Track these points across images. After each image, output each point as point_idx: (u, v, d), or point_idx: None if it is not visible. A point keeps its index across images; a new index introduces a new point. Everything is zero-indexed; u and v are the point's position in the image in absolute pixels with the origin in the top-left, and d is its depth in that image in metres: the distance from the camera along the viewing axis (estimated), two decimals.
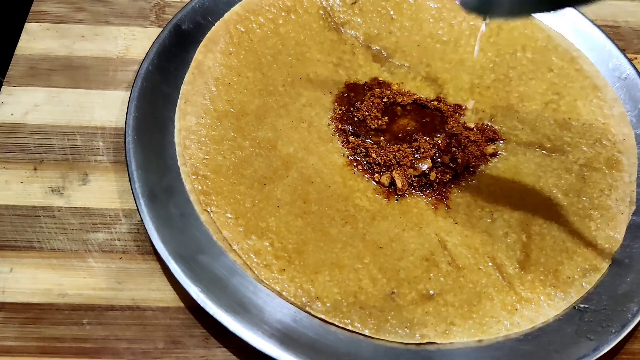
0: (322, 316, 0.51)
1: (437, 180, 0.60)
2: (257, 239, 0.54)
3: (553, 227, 0.58)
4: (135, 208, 0.54)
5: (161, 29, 0.64)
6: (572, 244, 0.57)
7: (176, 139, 0.59)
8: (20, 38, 0.68)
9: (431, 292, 0.54)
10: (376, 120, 0.63)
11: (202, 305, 0.50)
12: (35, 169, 0.60)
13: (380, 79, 0.67)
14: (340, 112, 0.64)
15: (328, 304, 0.52)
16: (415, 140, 0.62)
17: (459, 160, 0.61)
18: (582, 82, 0.68)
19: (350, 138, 0.62)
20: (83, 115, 0.64)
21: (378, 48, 0.69)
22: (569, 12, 0.72)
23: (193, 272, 0.51)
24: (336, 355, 0.50)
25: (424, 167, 0.60)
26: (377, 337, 0.51)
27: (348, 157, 0.61)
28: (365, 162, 0.61)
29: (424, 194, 0.60)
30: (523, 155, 0.63)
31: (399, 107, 0.65)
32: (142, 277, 0.55)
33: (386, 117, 0.64)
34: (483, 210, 0.59)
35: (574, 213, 0.59)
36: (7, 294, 0.53)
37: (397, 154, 0.61)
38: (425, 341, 0.51)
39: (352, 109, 0.64)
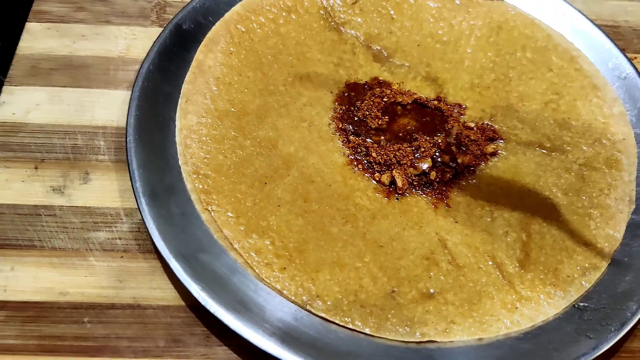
0: (323, 315, 0.52)
1: (438, 180, 0.60)
2: (258, 238, 0.55)
3: (553, 226, 0.58)
4: (136, 207, 0.54)
5: (162, 29, 0.64)
6: (571, 242, 0.58)
7: (177, 138, 0.59)
8: (21, 38, 0.68)
9: (431, 290, 0.54)
10: (376, 120, 0.63)
11: (203, 303, 0.50)
12: (36, 168, 0.60)
13: (380, 78, 0.67)
14: (340, 112, 0.64)
15: (329, 303, 0.52)
16: (415, 140, 0.62)
17: (459, 160, 0.61)
18: (582, 81, 0.68)
19: (351, 137, 0.62)
20: (84, 114, 0.64)
21: (378, 48, 0.69)
22: (568, 11, 0.72)
23: (194, 271, 0.51)
24: (337, 354, 0.50)
25: (424, 166, 0.60)
26: (378, 335, 0.51)
27: (348, 156, 0.61)
28: (365, 162, 0.61)
29: (424, 193, 0.60)
30: (523, 155, 0.63)
31: (399, 107, 0.65)
32: (143, 275, 0.55)
33: (386, 117, 0.64)
34: (483, 209, 0.59)
35: (573, 212, 0.59)
36: (9, 293, 0.53)
37: (397, 153, 0.61)
38: (425, 340, 0.51)
39: (352, 108, 0.65)
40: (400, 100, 0.65)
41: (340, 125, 0.63)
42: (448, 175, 0.61)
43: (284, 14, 0.69)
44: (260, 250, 0.54)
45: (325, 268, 0.54)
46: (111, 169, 0.61)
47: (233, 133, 0.60)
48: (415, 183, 0.60)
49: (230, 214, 0.55)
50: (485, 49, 0.70)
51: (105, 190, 0.59)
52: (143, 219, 0.53)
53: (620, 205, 0.60)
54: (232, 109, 0.62)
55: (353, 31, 0.70)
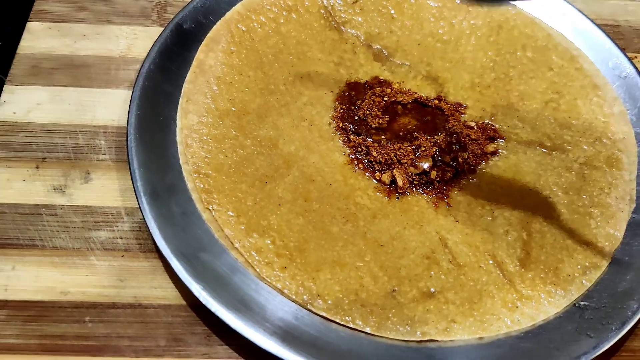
0: (324, 314, 0.52)
1: (438, 179, 0.60)
2: (259, 237, 0.55)
3: (553, 225, 0.59)
4: (137, 206, 0.54)
5: (163, 28, 0.64)
6: (572, 241, 0.58)
7: (178, 138, 0.59)
8: (22, 37, 0.69)
9: (432, 289, 0.54)
10: (377, 119, 0.63)
11: (204, 303, 0.50)
12: (37, 168, 0.60)
13: (381, 77, 0.67)
14: (341, 111, 0.64)
15: (329, 302, 0.52)
16: (416, 139, 0.62)
17: (460, 159, 0.61)
18: (582, 81, 0.68)
19: (351, 137, 0.62)
20: (85, 113, 0.64)
21: (379, 47, 0.69)
22: (569, 11, 0.72)
23: (195, 270, 0.51)
24: (337, 353, 0.50)
25: (425, 165, 0.60)
26: (378, 334, 0.51)
27: (349, 155, 0.61)
28: (366, 161, 0.61)
29: (424, 192, 0.60)
30: (523, 154, 0.63)
31: (399, 106, 0.65)
32: (144, 275, 0.55)
33: (387, 116, 0.64)
34: (484, 208, 0.59)
35: (574, 211, 0.60)
36: (10, 292, 0.53)
37: (397, 152, 0.61)
38: (426, 339, 0.51)
39: (353, 107, 0.65)
40: (400, 99, 0.65)
41: (341, 125, 0.63)
42: (448, 174, 0.61)
43: (284, 13, 0.69)
44: (261, 249, 0.54)
45: (325, 267, 0.54)
46: (112, 169, 0.61)
47: (234, 132, 0.60)
48: (415, 182, 0.60)
49: (231, 213, 0.55)
50: (486, 48, 0.70)
51: (106, 189, 0.59)
52: (144, 218, 0.53)
53: (620, 204, 0.60)
54: (233, 109, 0.62)
55: (353, 30, 0.70)
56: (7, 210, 0.57)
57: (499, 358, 0.51)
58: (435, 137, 0.63)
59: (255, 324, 0.50)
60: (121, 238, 0.57)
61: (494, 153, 0.63)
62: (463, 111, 0.66)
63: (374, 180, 0.60)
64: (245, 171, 0.58)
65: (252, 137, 0.60)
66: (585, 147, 0.64)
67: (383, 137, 0.63)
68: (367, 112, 0.64)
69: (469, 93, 0.67)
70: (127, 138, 0.57)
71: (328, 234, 0.56)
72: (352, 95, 0.66)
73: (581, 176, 0.62)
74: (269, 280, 0.53)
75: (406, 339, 0.51)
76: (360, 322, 0.51)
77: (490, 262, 0.56)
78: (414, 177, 0.60)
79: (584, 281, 0.55)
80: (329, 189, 0.59)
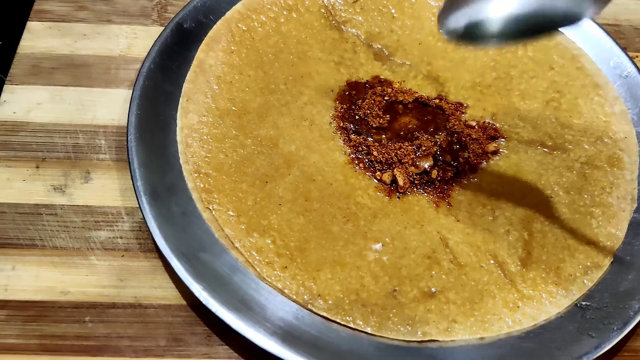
0: (324, 314, 0.51)
1: (439, 178, 0.60)
2: (259, 237, 0.55)
3: (555, 224, 0.58)
4: (138, 206, 0.54)
5: (163, 28, 0.64)
6: (573, 241, 0.57)
7: (178, 137, 0.59)
8: (23, 37, 0.68)
9: (433, 289, 0.54)
10: (377, 119, 0.63)
11: (204, 302, 0.50)
12: (37, 167, 0.60)
13: (381, 77, 0.67)
14: (341, 111, 0.64)
15: (330, 302, 0.52)
16: (416, 138, 0.62)
17: (460, 159, 0.61)
18: (583, 80, 0.68)
19: (352, 136, 0.62)
20: (85, 113, 0.64)
21: (379, 46, 0.69)
22: None
23: (195, 270, 0.51)
24: (338, 353, 0.50)
25: (426, 165, 0.60)
26: (379, 334, 0.51)
27: (349, 155, 0.61)
28: (366, 160, 0.61)
29: (425, 192, 0.60)
30: (524, 153, 0.63)
31: (400, 106, 0.65)
32: (144, 274, 0.55)
33: (387, 115, 0.64)
34: (485, 208, 0.59)
35: (575, 211, 0.59)
36: (10, 292, 0.53)
37: (398, 152, 0.61)
38: (427, 339, 0.51)
39: (353, 107, 0.65)
40: (401, 99, 0.65)
41: (341, 124, 0.63)
42: (449, 173, 0.61)
43: (285, 12, 0.69)
44: (262, 249, 0.54)
45: (326, 267, 0.54)
46: (112, 168, 0.61)
47: (234, 132, 0.60)
48: (416, 182, 0.60)
49: (231, 213, 0.55)
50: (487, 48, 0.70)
51: (106, 189, 0.59)
52: (144, 218, 0.53)
53: (622, 204, 0.60)
54: (233, 108, 0.62)
55: (354, 30, 0.70)
56: (7, 210, 0.57)
57: (500, 358, 0.51)
58: (436, 136, 0.63)
59: (256, 324, 0.49)
60: (121, 238, 0.57)
61: (495, 152, 0.63)
62: (464, 110, 0.65)
63: (375, 180, 0.60)
64: (245, 171, 0.58)
65: (252, 137, 0.60)
66: (586, 146, 0.63)
67: (384, 136, 0.63)
68: (368, 111, 0.64)
69: (469, 92, 0.67)
70: (127, 137, 0.57)
71: (329, 233, 0.56)
72: (352, 94, 0.65)
73: (582, 176, 0.62)
74: (269, 280, 0.52)
75: (407, 339, 0.51)
76: (361, 322, 0.51)
77: (492, 262, 0.56)
78: (415, 176, 0.60)
79: (585, 281, 0.55)
80: (330, 189, 0.58)
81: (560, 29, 0.44)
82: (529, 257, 0.56)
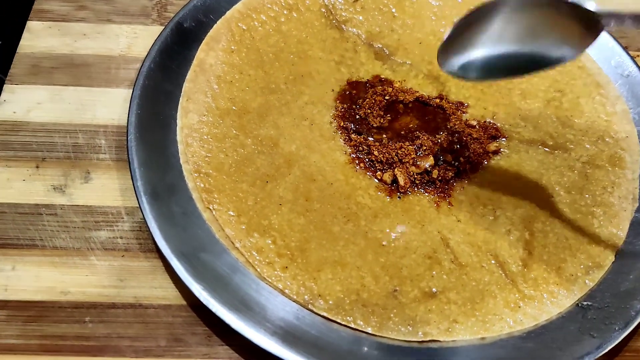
0: (325, 314, 0.51)
1: (440, 178, 0.60)
2: (260, 237, 0.54)
3: (556, 224, 0.58)
4: (138, 206, 0.54)
5: (163, 27, 0.64)
6: (575, 241, 0.57)
7: (178, 137, 0.59)
8: (22, 36, 0.68)
9: (434, 289, 0.54)
10: (378, 118, 0.63)
11: (204, 303, 0.50)
12: (37, 167, 0.60)
13: (382, 76, 0.67)
14: (342, 110, 0.64)
15: (330, 302, 0.52)
16: (417, 138, 0.62)
17: (461, 158, 0.61)
18: (585, 79, 0.67)
19: (352, 136, 0.62)
20: (85, 113, 0.64)
21: (380, 46, 0.69)
22: None
23: (195, 270, 0.51)
24: (338, 353, 0.50)
25: (427, 164, 0.60)
26: (380, 335, 0.51)
27: (350, 154, 0.61)
28: (367, 160, 0.61)
29: (426, 192, 0.60)
30: (525, 153, 0.63)
31: (401, 105, 0.65)
32: (145, 274, 0.55)
33: (388, 115, 0.64)
34: (485, 207, 0.59)
35: (576, 210, 0.59)
36: (10, 292, 0.53)
37: (399, 151, 0.60)
38: (427, 339, 0.51)
39: (354, 106, 0.64)
40: (402, 98, 0.65)
41: (342, 124, 0.63)
42: (450, 173, 0.60)
43: (285, 12, 0.69)
44: (262, 249, 0.54)
45: (327, 267, 0.54)
46: (112, 168, 0.61)
47: (234, 132, 0.60)
48: (417, 182, 0.60)
49: (231, 213, 0.55)
50: None
51: (106, 189, 0.59)
52: (144, 218, 0.53)
53: (623, 204, 0.60)
54: (234, 108, 0.62)
55: (354, 29, 0.70)
56: (7, 210, 0.57)
57: (501, 358, 0.51)
58: (437, 136, 0.63)
59: (256, 324, 0.49)
60: (121, 238, 0.57)
61: (496, 152, 0.63)
62: (465, 110, 0.65)
63: (375, 180, 0.60)
64: (246, 170, 0.58)
65: (252, 136, 0.60)
66: (587, 145, 0.63)
67: (384, 136, 0.63)
68: (369, 111, 0.63)
69: (470, 92, 0.67)
70: (127, 137, 0.57)
71: (329, 233, 0.56)
72: (353, 94, 0.65)
73: (584, 175, 0.61)
74: (269, 280, 0.52)
75: (408, 340, 0.51)
76: (361, 322, 0.51)
77: (493, 262, 0.56)
78: (416, 176, 0.60)
79: (586, 281, 0.55)
80: (330, 189, 0.58)
81: (548, 69, 0.51)
82: (530, 257, 0.56)
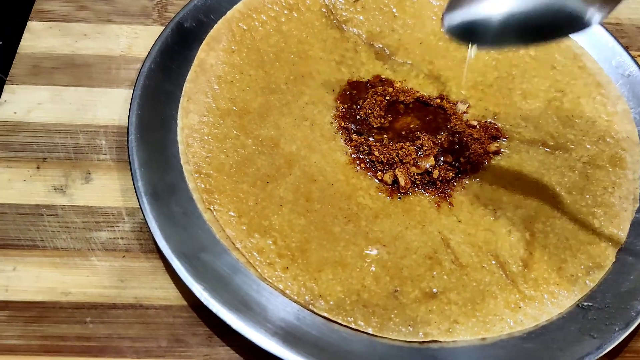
0: (325, 314, 0.51)
1: (440, 178, 0.60)
2: (260, 237, 0.54)
3: (556, 225, 0.58)
4: (138, 206, 0.54)
5: (164, 27, 0.64)
6: (575, 241, 0.57)
7: (179, 137, 0.59)
8: (23, 37, 0.68)
9: (434, 290, 0.54)
10: (379, 118, 0.63)
11: (205, 303, 0.50)
12: (38, 168, 0.60)
13: (382, 76, 0.67)
14: (342, 110, 0.64)
15: (331, 302, 0.52)
16: (418, 138, 0.62)
17: (462, 159, 0.61)
18: (586, 79, 0.67)
19: (353, 136, 0.62)
20: (86, 113, 0.64)
21: (381, 46, 0.69)
22: None
23: (196, 271, 0.51)
24: (339, 354, 0.50)
25: (427, 165, 0.60)
26: (381, 335, 0.51)
27: (351, 155, 0.61)
28: (368, 160, 0.61)
29: (427, 192, 0.60)
30: (526, 153, 0.63)
31: (401, 105, 0.65)
32: (145, 275, 0.55)
33: (389, 115, 0.64)
34: (486, 208, 0.59)
35: (577, 211, 0.59)
36: (10, 293, 0.53)
37: (400, 152, 0.60)
38: (428, 339, 0.51)
39: (354, 106, 0.64)
40: (402, 98, 0.65)
41: (343, 124, 0.63)
42: (451, 174, 0.60)
43: (285, 12, 0.69)
44: (263, 249, 0.54)
45: (327, 267, 0.54)
46: (113, 168, 0.61)
47: (235, 132, 0.60)
48: (418, 182, 0.60)
49: (232, 214, 0.55)
50: None
51: (107, 189, 0.59)
52: (145, 219, 0.53)
53: (624, 204, 0.60)
54: (234, 108, 0.62)
55: (355, 29, 0.70)
56: (7, 211, 0.57)
57: (501, 359, 0.51)
58: (438, 136, 0.63)
59: (257, 324, 0.49)
60: (122, 238, 0.57)
61: (497, 152, 0.63)
62: (465, 110, 0.65)
63: (376, 180, 0.60)
64: (246, 171, 0.58)
65: (253, 137, 0.60)
66: (588, 146, 0.63)
67: (385, 136, 0.63)
68: (369, 111, 0.63)
69: (471, 92, 0.67)
70: (127, 138, 0.57)
71: (330, 234, 0.56)
72: (353, 94, 0.65)
73: (584, 175, 0.61)
74: (270, 280, 0.52)
75: (408, 340, 0.51)
76: (362, 323, 0.51)
77: (493, 262, 0.56)
78: (416, 176, 0.60)
79: (587, 281, 0.55)
80: (331, 189, 0.58)
81: (567, 35, 0.43)
82: (530, 258, 0.56)
